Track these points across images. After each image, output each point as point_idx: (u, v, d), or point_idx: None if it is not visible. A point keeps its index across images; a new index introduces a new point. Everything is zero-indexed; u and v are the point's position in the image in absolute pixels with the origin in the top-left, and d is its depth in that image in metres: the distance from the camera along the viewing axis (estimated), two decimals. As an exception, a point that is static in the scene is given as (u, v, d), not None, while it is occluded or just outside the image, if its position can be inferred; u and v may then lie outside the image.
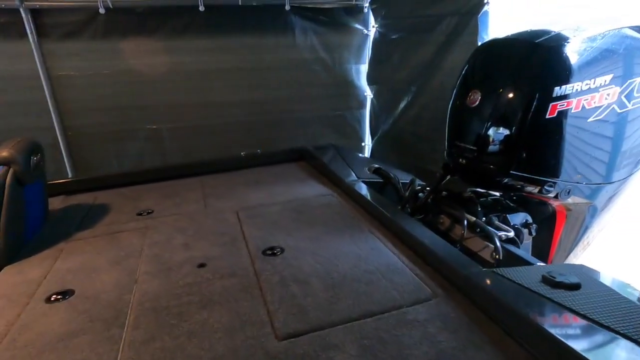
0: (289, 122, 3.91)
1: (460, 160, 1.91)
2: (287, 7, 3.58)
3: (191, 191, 2.80)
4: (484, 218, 1.86)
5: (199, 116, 3.69)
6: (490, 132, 1.79)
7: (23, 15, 2.98)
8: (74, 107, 3.41)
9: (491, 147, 1.79)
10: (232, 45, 3.55)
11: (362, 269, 1.54)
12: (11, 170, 1.84)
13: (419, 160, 3.39)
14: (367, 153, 4.33)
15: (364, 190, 2.33)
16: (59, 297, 1.53)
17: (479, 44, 2.63)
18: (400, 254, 1.63)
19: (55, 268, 1.78)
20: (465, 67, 1.98)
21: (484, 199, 2.07)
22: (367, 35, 4.01)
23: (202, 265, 1.67)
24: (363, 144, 4.37)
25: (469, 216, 1.83)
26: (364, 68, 4.10)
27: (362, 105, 4.21)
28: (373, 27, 3.94)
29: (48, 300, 1.52)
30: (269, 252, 1.75)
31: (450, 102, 2.01)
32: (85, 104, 3.43)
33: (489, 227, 1.74)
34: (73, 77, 3.32)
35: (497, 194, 2.14)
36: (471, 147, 1.84)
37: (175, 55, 3.44)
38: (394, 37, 3.67)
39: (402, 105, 3.60)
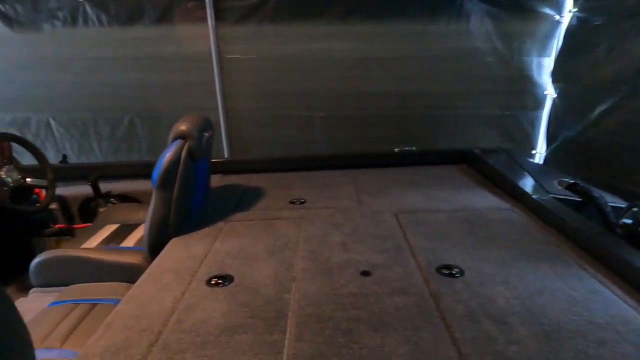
0: (448, 119, 3.54)
1: None
2: (465, -11, 3.21)
3: (343, 185, 2.67)
4: None
5: (352, 106, 3.57)
6: None
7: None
8: (237, 90, 3.59)
9: None
10: (397, 32, 3.32)
11: (583, 319, 1.16)
12: (186, 145, 1.89)
13: (620, 179, 2.72)
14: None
15: (560, 209, 1.88)
16: (219, 281, 1.48)
17: None
18: (640, 308, 1.20)
19: (215, 248, 1.78)
20: None
21: None
22: (558, 22, 3.39)
23: (366, 274, 1.47)
24: (534, 151, 3.75)
25: None
26: (549, 62, 3.49)
27: (539, 105, 3.60)
28: (569, 11, 3.30)
29: (209, 282, 1.48)
30: (445, 271, 1.47)
31: None
32: (246, 87, 3.58)
33: None
34: (239, 60, 3.48)
35: None
36: None
37: (336, 41, 3.36)
38: (599, 23, 3.00)
39: (601, 107, 2.93)
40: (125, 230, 2.39)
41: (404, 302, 1.29)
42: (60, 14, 3.33)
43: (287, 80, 3.52)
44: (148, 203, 2.86)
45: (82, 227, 2.87)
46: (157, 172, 1.82)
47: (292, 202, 2.36)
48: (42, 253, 2.01)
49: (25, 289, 2.13)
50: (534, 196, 2.04)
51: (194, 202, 2.14)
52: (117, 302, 1.62)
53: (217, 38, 3.36)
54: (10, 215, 2.52)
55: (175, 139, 1.91)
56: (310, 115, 3.61)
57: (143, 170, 3.34)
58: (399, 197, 2.34)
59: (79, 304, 1.62)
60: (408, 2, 3.25)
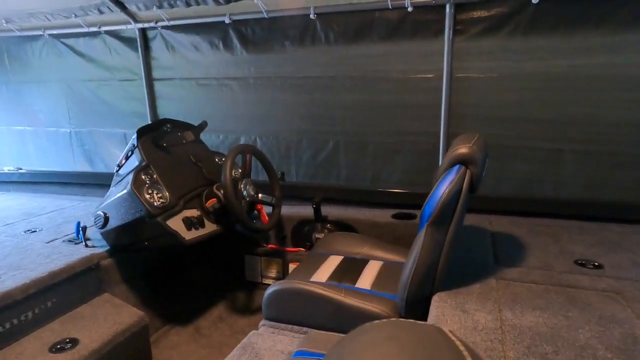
0: None
1: None
2: None
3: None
4: None
5: (628, 139, 2.74)
6: None
7: (447, 10, 2.86)
8: (465, 114, 3.14)
9: None
10: None
11: None
12: (468, 173, 1.48)
13: None
14: None
15: None
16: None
17: None
18: None
19: (509, 321, 1.30)
20: None
21: None
22: None
23: None
24: None
25: None
26: None
27: None
28: None
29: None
30: None
31: None
32: (478, 111, 3.10)
33: None
34: (473, 79, 3.04)
35: None
36: None
37: (616, 54, 2.63)
38: None
39: None
40: (352, 265, 2.10)
41: None
42: (291, 33, 3.42)
43: (532, 104, 2.92)
44: (365, 234, 2.60)
45: (294, 251, 2.74)
46: (433, 204, 1.44)
47: (579, 264, 1.75)
48: (276, 283, 1.83)
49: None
50: None
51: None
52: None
53: (452, 54, 2.98)
54: (231, 230, 2.50)
55: (453, 164, 1.52)
56: (559, 149, 2.91)
57: (358, 197, 3.13)
58: None
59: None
60: None
